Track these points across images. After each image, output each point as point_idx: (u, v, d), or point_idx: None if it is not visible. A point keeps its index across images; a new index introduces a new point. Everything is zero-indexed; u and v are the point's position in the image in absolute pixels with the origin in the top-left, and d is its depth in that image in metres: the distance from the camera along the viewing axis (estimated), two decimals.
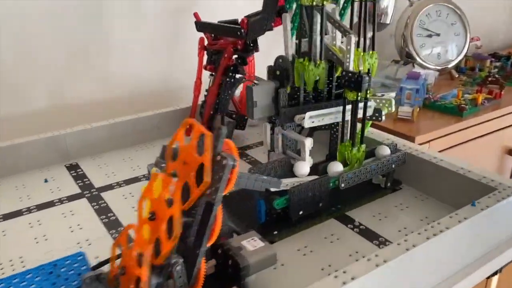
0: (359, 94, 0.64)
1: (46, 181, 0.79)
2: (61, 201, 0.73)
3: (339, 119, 0.68)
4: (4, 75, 0.94)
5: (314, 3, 0.63)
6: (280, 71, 0.67)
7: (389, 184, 0.73)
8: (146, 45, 1.10)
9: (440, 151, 1.08)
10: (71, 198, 0.74)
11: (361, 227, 0.64)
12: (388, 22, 1.25)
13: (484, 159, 1.25)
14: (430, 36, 1.41)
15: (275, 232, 0.62)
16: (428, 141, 1.05)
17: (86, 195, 0.75)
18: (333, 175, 0.66)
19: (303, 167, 0.64)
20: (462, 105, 1.12)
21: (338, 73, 0.71)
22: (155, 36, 1.10)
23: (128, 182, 0.79)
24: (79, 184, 0.79)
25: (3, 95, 0.95)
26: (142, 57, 1.10)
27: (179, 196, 0.44)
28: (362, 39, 0.67)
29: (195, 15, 0.93)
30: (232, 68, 0.89)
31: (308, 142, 0.64)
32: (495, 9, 1.92)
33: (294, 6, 0.74)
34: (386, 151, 0.71)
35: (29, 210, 0.71)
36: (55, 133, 0.86)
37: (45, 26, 0.96)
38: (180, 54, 1.14)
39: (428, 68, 1.37)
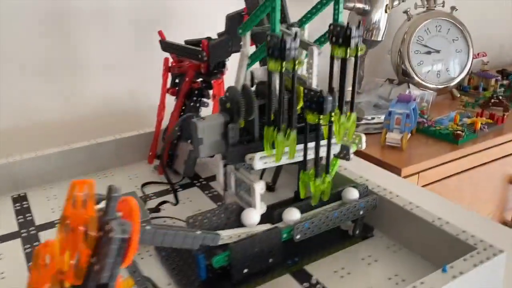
0: (321, 117, 0.55)
1: None
2: None
3: (302, 158, 0.60)
4: None
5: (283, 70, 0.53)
6: (231, 104, 0.58)
7: (357, 232, 0.64)
8: (114, 62, 1.03)
9: (432, 183, 0.99)
10: (5, 238, 0.67)
11: (317, 286, 0.55)
12: (379, 39, 1.16)
13: (484, 191, 1.15)
14: (429, 53, 1.31)
15: None
16: (418, 172, 0.95)
17: (22, 235, 0.68)
18: (289, 223, 0.57)
19: (252, 217, 0.55)
20: (458, 132, 1.03)
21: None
22: (123, 52, 1.04)
23: None
24: (20, 220, 0.72)
25: None
26: (111, 74, 1.03)
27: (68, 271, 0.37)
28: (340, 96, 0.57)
29: (159, 33, 0.85)
30: (196, 91, 0.81)
31: (259, 187, 0.56)
32: (505, 22, 1.80)
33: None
34: (354, 194, 0.62)
35: None
36: (3, 160, 0.79)
37: (8, 43, 0.90)
38: (150, 71, 1.07)
39: (426, 88, 1.28)
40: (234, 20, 0.73)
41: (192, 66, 0.79)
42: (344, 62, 0.54)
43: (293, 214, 0.58)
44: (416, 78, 1.28)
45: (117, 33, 1.03)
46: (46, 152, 0.82)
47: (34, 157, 0.81)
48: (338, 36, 0.54)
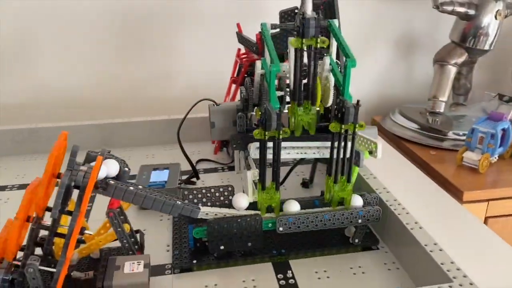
0: (343, 126, 0.56)
1: None
2: None
3: (308, 155, 0.61)
4: None
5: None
6: (245, 93, 0.62)
7: (356, 240, 0.62)
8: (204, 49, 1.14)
9: (502, 216, 0.87)
10: None
11: (290, 281, 0.57)
12: (487, 48, 1.04)
13: None
14: None
15: (194, 261, 0.59)
16: (487, 200, 0.85)
17: None
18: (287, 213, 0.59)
19: (240, 201, 0.59)
20: None
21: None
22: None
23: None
24: None
25: None
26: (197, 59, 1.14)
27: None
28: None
29: (237, 25, 0.92)
30: None
31: (250, 174, 0.59)
32: None
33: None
34: (357, 201, 0.61)
35: None
36: (95, 121, 0.96)
37: None
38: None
39: None
40: (287, 16, 0.76)
41: (251, 58, 0.84)
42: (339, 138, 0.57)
43: (292, 206, 0.60)
44: None
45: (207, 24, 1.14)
46: (134, 119, 0.97)
47: (126, 122, 0.97)
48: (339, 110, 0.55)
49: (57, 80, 1.12)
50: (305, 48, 0.56)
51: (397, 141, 1.09)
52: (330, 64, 0.61)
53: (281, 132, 0.53)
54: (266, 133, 0.53)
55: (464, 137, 1.04)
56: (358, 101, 0.55)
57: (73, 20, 1.07)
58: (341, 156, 0.58)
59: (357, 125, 0.56)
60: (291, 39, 0.56)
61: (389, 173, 0.84)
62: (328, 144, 0.60)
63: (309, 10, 0.53)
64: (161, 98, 1.18)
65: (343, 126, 0.56)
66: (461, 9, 0.99)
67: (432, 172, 0.92)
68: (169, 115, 0.99)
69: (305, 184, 0.80)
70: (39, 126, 0.95)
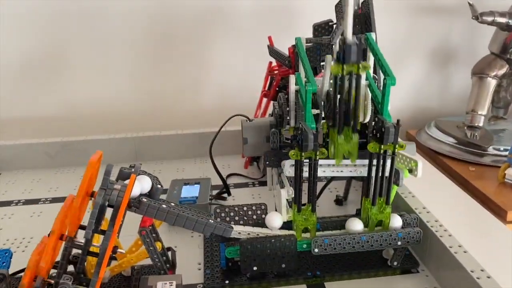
0: (382, 147, 0.54)
1: None
2: None
3: (344, 173, 0.59)
4: None
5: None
6: (279, 109, 0.61)
7: (395, 263, 0.59)
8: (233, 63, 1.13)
9: None
10: None
11: None
12: None
13: None
14: None
15: (227, 282, 0.58)
16: None
17: None
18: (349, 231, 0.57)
19: (274, 220, 0.57)
20: None
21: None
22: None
23: None
24: None
25: None
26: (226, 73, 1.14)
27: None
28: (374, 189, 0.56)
29: (269, 38, 0.91)
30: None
31: (284, 193, 0.57)
32: None
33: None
34: (396, 222, 0.58)
35: None
36: (129, 134, 0.97)
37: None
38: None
39: None
40: (321, 29, 0.74)
41: (283, 71, 0.83)
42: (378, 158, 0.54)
43: (355, 225, 0.58)
44: None
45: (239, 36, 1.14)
46: (165, 133, 0.97)
47: (157, 136, 0.97)
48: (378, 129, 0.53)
49: (89, 93, 1.14)
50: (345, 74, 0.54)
51: (433, 156, 1.05)
52: (367, 79, 0.59)
53: (318, 153, 0.51)
54: (303, 154, 0.51)
55: (505, 152, 0.99)
56: (398, 120, 0.52)
57: (107, 34, 1.09)
58: (379, 176, 0.55)
59: (397, 146, 0.54)
60: (332, 66, 0.54)
61: (427, 191, 0.81)
62: (366, 161, 0.58)
63: (349, 33, 0.50)
64: (192, 110, 1.18)
65: (382, 146, 0.54)
66: (502, 20, 0.95)
67: (472, 190, 0.88)
68: (198, 129, 0.99)
69: (339, 201, 0.77)
70: (72, 139, 0.96)
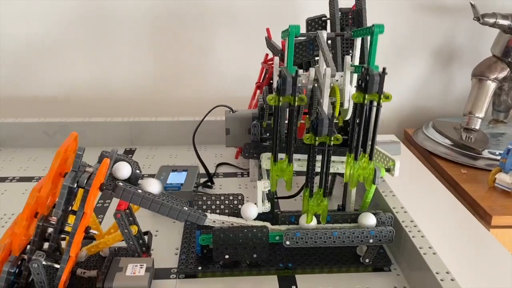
0: (366, 96, 0.52)
1: None
2: None
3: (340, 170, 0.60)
4: None
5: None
6: (264, 101, 0.62)
7: (367, 260, 0.60)
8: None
9: None
10: None
11: None
12: None
13: None
14: None
15: (199, 268, 0.59)
16: None
17: None
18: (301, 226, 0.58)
19: (250, 211, 0.58)
20: None
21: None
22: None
23: None
24: None
25: None
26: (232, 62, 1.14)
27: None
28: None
29: (267, 30, 0.91)
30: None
31: (261, 184, 0.58)
32: None
33: None
34: (370, 220, 0.58)
35: None
36: (122, 119, 0.98)
37: None
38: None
39: None
40: (314, 24, 0.74)
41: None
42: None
43: (304, 219, 0.59)
44: None
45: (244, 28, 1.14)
46: (161, 119, 0.99)
47: (153, 121, 0.98)
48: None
49: (89, 76, 1.16)
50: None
51: (427, 157, 1.05)
52: (353, 68, 0.57)
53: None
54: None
55: (497, 156, 0.99)
56: (384, 68, 0.50)
57: (109, 18, 1.10)
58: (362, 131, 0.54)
59: (382, 96, 0.51)
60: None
61: (413, 191, 0.81)
62: (343, 158, 0.58)
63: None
64: (189, 97, 1.19)
65: (366, 96, 0.51)
66: (504, 22, 0.94)
67: (461, 192, 0.88)
68: (194, 117, 1.00)
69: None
70: (70, 120, 0.98)
